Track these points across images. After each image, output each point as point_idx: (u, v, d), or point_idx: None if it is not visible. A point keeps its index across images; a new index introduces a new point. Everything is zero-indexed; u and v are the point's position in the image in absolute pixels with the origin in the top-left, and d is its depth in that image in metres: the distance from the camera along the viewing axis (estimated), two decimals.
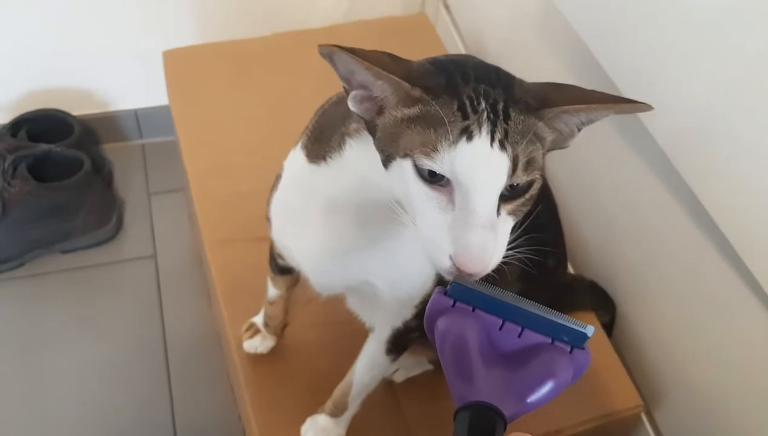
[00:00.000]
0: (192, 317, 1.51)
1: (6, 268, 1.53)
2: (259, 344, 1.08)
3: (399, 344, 0.89)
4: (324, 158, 0.73)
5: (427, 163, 0.56)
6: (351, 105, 0.61)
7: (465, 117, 0.56)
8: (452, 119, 0.56)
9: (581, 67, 1.20)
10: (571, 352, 0.55)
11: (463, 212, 0.56)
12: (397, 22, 1.57)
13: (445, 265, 0.57)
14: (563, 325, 0.55)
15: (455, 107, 0.56)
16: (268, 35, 1.48)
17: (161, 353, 1.45)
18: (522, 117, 0.57)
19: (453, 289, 0.57)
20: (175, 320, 1.51)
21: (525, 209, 0.60)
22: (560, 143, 0.62)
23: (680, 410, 1.11)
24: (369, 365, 0.93)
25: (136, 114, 1.74)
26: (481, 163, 0.55)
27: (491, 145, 0.55)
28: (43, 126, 1.61)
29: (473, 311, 0.56)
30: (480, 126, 0.55)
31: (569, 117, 0.60)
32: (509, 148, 0.56)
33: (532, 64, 1.38)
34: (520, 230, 0.62)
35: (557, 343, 0.55)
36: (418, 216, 0.59)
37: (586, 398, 1.09)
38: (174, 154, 1.47)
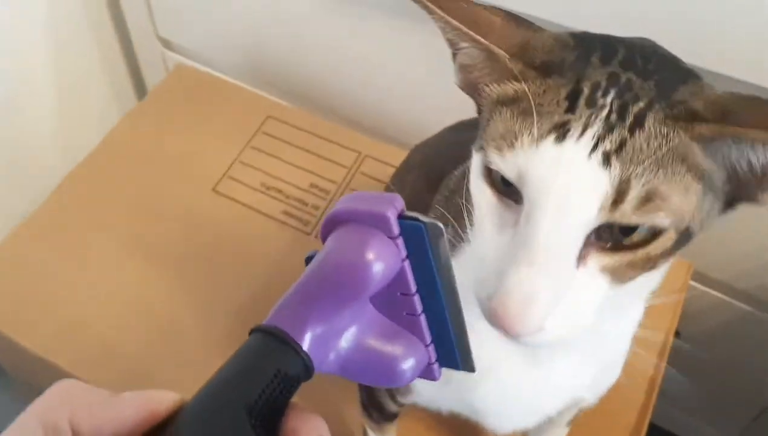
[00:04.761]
0: None
1: None
2: None
3: None
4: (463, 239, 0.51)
5: (495, 161, 0.40)
6: (455, 72, 0.47)
7: (570, 109, 0.39)
8: (549, 109, 0.39)
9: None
10: (430, 364, 0.40)
11: (518, 239, 0.39)
12: None
13: (482, 305, 0.41)
14: (456, 342, 0.40)
15: (564, 94, 0.39)
16: None
17: None
18: (664, 127, 0.38)
19: (408, 226, 0.37)
20: None
21: (637, 274, 0.40)
22: (745, 194, 0.41)
23: None
24: None
25: None
26: (562, 174, 0.38)
27: (589, 154, 0.37)
28: None
29: (403, 261, 0.37)
30: (585, 125, 0.38)
31: (750, 149, 0.38)
32: (617, 166, 0.37)
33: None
34: None
35: (430, 348, 0.40)
36: (474, 230, 0.45)
37: None
38: None
